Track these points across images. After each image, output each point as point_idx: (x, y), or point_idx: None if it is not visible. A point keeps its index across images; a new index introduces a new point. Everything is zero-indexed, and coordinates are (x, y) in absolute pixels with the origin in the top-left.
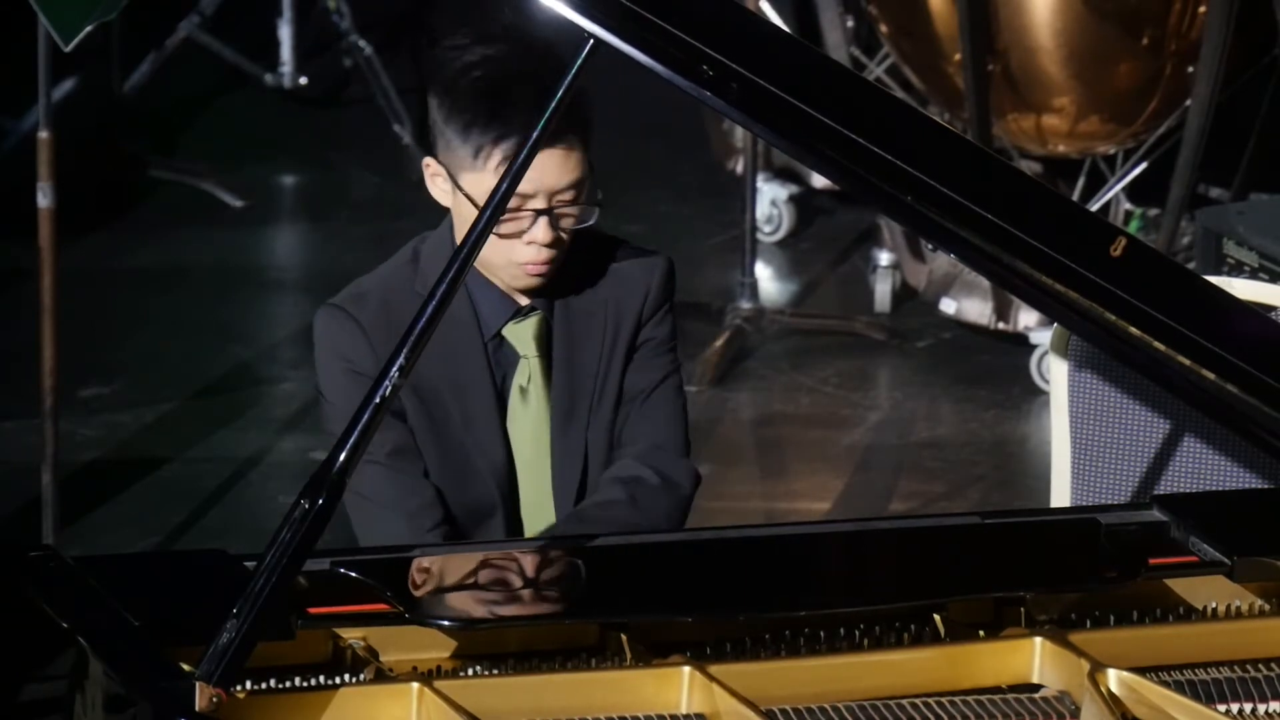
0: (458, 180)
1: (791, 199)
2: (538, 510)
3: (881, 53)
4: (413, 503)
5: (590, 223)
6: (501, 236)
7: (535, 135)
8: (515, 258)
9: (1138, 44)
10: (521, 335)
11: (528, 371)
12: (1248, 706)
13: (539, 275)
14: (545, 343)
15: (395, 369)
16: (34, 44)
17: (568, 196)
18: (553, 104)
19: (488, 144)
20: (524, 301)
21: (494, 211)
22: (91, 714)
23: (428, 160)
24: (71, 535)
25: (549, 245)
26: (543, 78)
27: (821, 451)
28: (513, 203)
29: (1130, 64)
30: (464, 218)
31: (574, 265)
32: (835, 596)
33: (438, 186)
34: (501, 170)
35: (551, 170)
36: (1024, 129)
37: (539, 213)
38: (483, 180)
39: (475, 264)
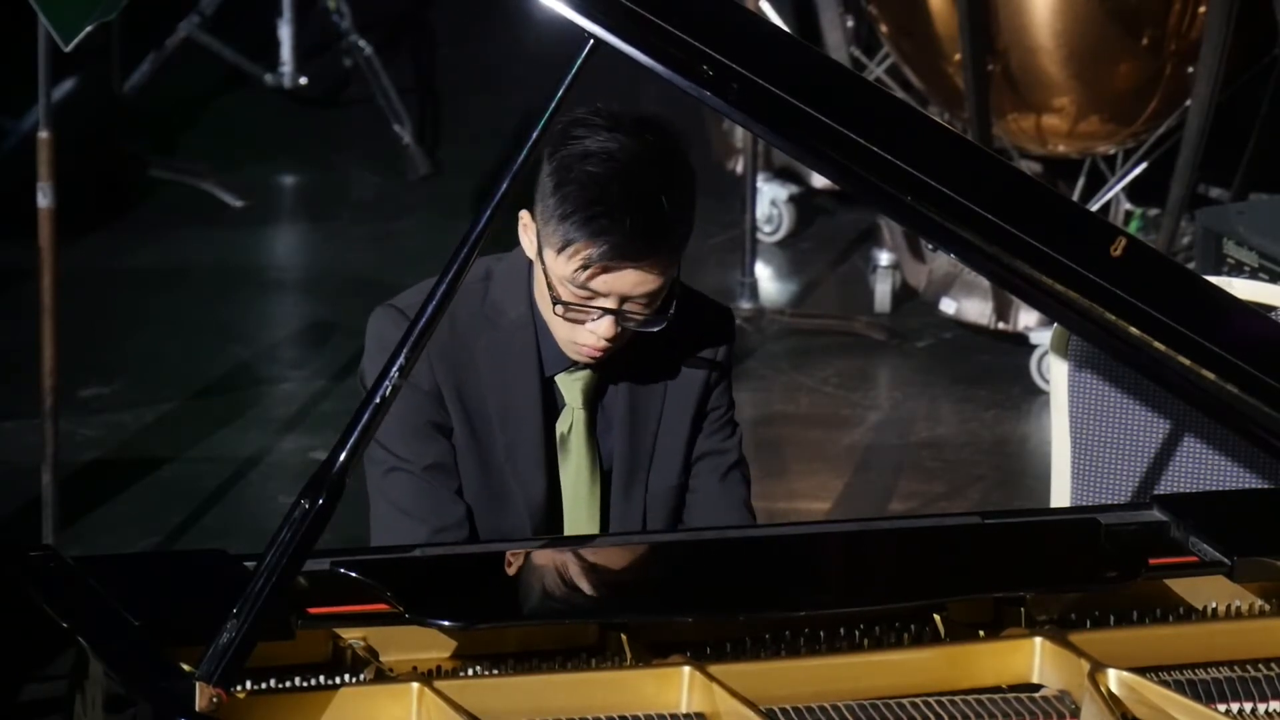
0: (542, 251)
1: (791, 199)
2: None
3: (881, 53)
4: (439, 519)
5: (657, 329)
6: (566, 319)
7: (535, 134)
8: (576, 339)
9: (1138, 44)
10: (571, 386)
11: (570, 420)
12: (1248, 706)
13: (593, 359)
14: (592, 398)
15: (395, 369)
16: (34, 44)
17: (641, 303)
18: (551, 105)
19: (577, 243)
20: (561, 346)
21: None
22: (91, 714)
23: (524, 213)
24: (71, 535)
25: (609, 339)
26: (654, 193)
27: (821, 451)
28: (583, 295)
29: (1130, 64)
30: (539, 278)
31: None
32: (835, 596)
33: (527, 239)
34: (580, 273)
35: (629, 281)
36: (1024, 129)
37: (606, 310)
38: (561, 269)
39: (544, 318)
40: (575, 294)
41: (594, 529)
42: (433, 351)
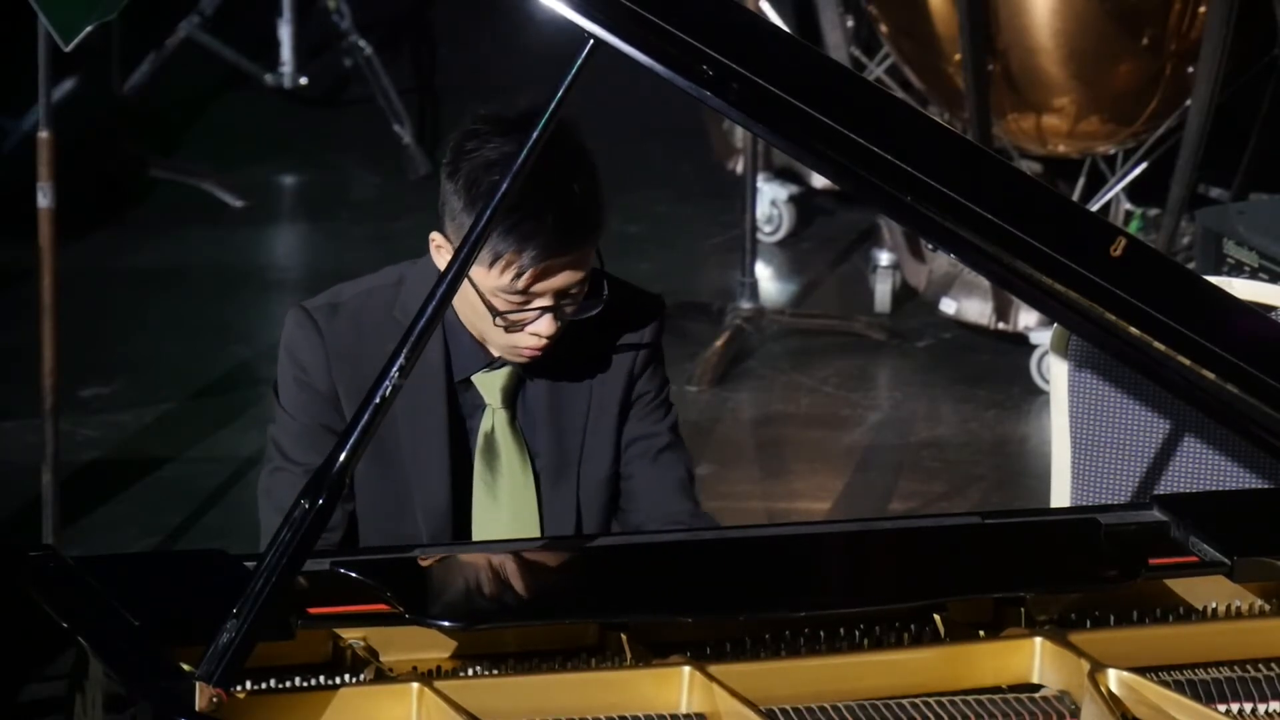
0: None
1: (791, 199)
2: None
3: (881, 53)
4: None
5: (594, 313)
6: (506, 329)
7: (535, 135)
8: (517, 344)
9: (1138, 44)
10: (489, 384)
11: (491, 421)
12: (1248, 706)
13: (535, 358)
14: (511, 395)
15: (395, 369)
16: (34, 44)
17: (574, 292)
18: (551, 106)
19: (506, 254)
20: (497, 354)
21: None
22: (91, 714)
23: (434, 235)
24: (71, 535)
25: (550, 335)
26: (564, 183)
27: (821, 451)
28: (518, 299)
29: (1130, 64)
30: (466, 299)
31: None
32: (835, 596)
33: (440, 258)
34: (518, 282)
35: (564, 274)
36: (1024, 129)
37: (544, 309)
38: (492, 281)
39: (458, 314)
40: (510, 301)
41: (533, 527)
42: (333, 354)
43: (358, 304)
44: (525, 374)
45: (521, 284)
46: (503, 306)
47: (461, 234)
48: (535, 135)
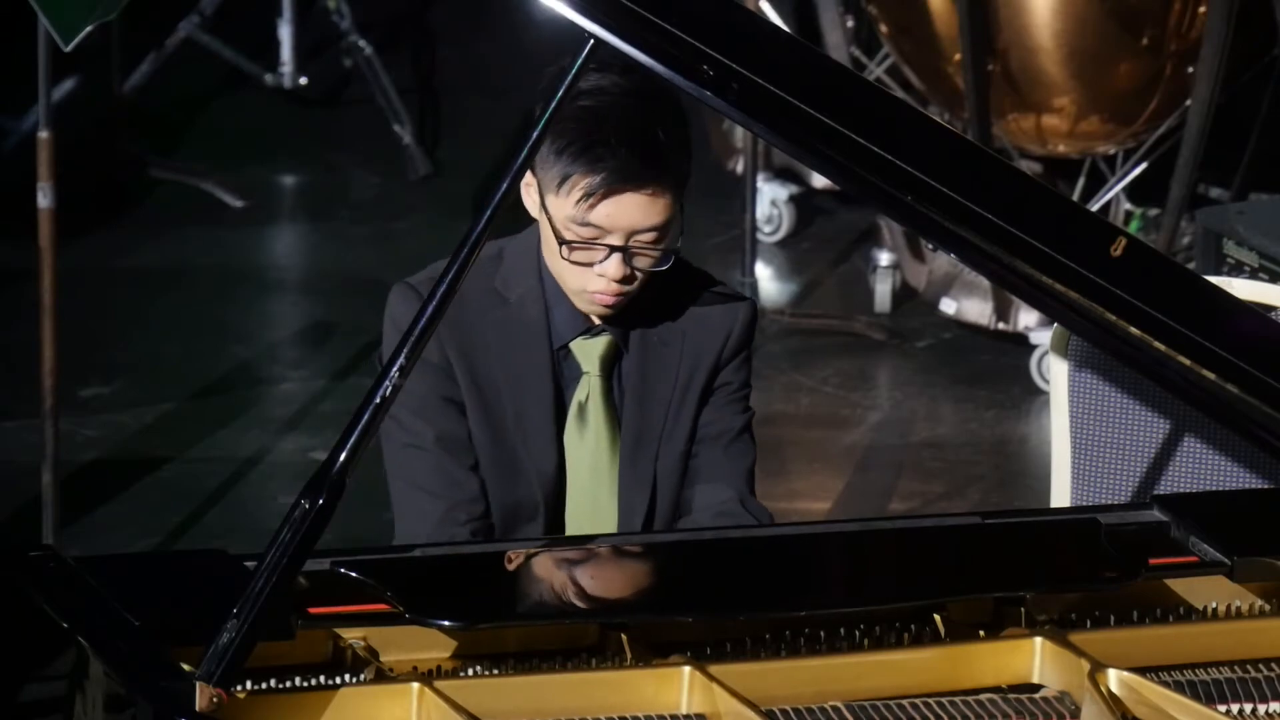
0: (544, 198)
1: (791, 199)
2: (589, 528)
3: (881, 53)
4: (453, 495)
5: (665, 267)
6: (574, 264)
7: (535, 134)
8: (587, 286)
9: (1138, 44)
10: (588, 352)
11: (587, 389)
12: (1248, 706)
13: (607, 306)
14: (609, 364)
15: (395, 369)
16: (34, 44)
17: (647, 238)
18: (554, 102)
19: (575, 175)
20: (597, 321)
21: (496, 207)
22: (91, 714)
23: (526, 173)
24: (71, 535)
25: (620, 281)
26: (649, 126)
27: (821, 451)
28: (588, 234)
29: (1130, 64)
30: (547, 234)
31: (657, 297)
32: (835, 596)
33: (530, 198)
34: (582, 205)
35: (631, 211)
36: (1024, 129)
37: (613, 249)
38: (563, 208)
39: (544, 259)
40: (579, 233)
41: (611, 498)
42: (442, 327)
43: None
44: (621, 345)
45: (587, 208)
46: (571, 237)
47: (545, 167)
48: (535, 135)
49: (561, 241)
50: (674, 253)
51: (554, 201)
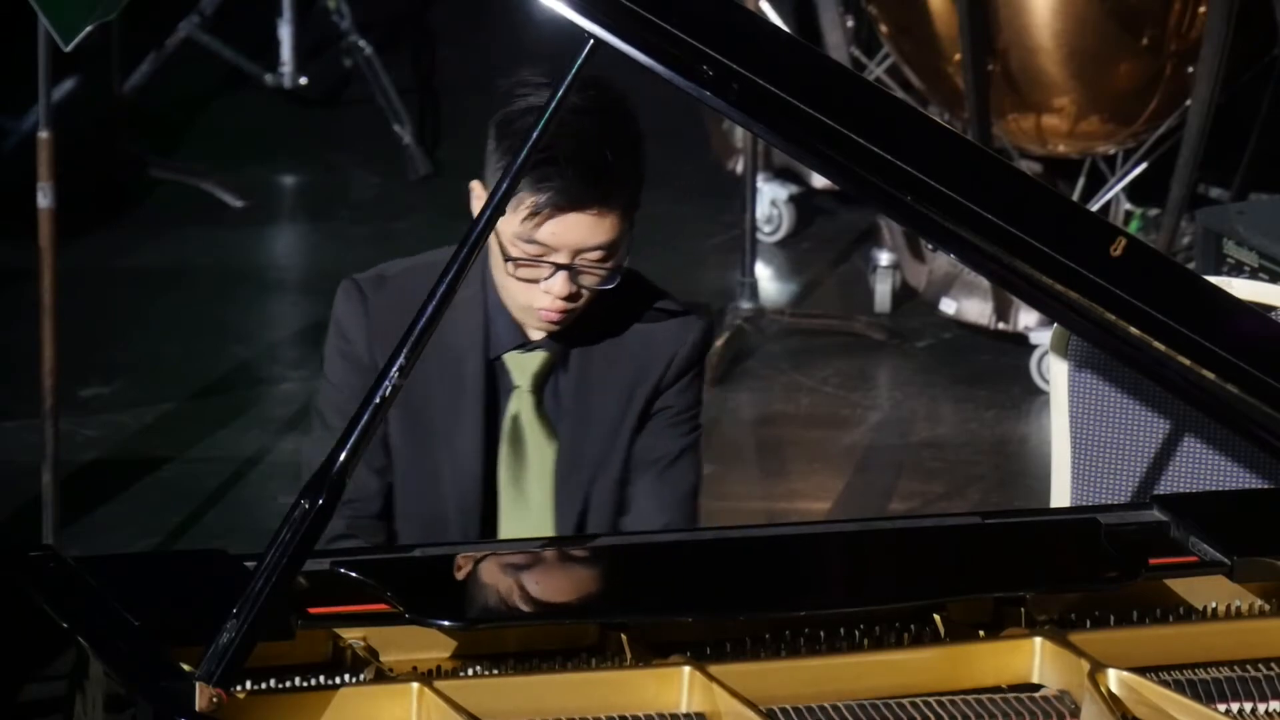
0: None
1: (791, 199)
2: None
3: (881, 53)
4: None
5: (612, 285)
6: (519, 280)
7: (535, 135)
8: (532, 302)
9: (1138, 44)
10: (523, 366)
11: (518, 404)
12: (1248, 706)
13: (551, 324)
14: (541, 380)
15: (395, 369)
16: (34, 44)
17: (593, 256)
18: (550, 108)
19: (522, 193)
20: (535, 336)
21: (489, 219)
22: (91, 714)
23: (474, 183)
24: (71, 535)
25: (566, 298)
26: (599, 145)
27: (821, 451)
28: (534, 251)
29: (1130, 64)
30: (494, 249)
31: (604, 314)
32: (835, 596)
33: (477, 206)
34: (528, 223)
35: (577, 230)
36: (1024, 129)
37: (559, 266)
38: (509, 224)
39: (493, 276)
40: (526, 250)
41: (543, 519)
42: (376, 326)
43: (405, 278)
44: (560, 364)
45: (533, 226)
46: (517, 254)
47: (492, 174)
48: (535, 135)
49: (507, 258)
50: (620, 271)
51: (501, 218)
